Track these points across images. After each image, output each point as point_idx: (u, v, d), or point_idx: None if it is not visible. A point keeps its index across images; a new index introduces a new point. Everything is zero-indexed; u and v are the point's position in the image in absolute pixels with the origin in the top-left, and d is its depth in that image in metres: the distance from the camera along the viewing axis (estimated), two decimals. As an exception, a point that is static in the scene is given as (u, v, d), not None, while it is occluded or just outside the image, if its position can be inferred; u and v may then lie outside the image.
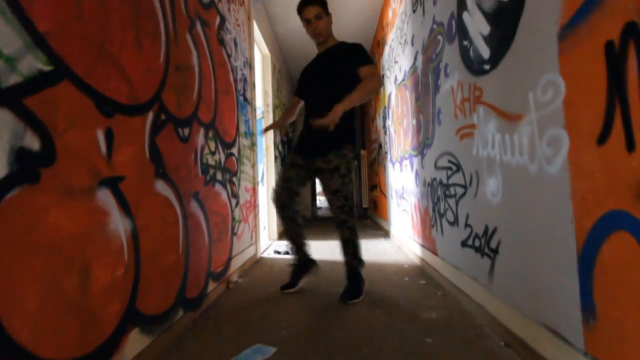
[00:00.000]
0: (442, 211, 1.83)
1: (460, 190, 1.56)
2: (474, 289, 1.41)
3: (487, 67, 1.24)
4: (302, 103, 1.96)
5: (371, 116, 4.59)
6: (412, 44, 2.29)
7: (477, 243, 1.40)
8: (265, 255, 2.87)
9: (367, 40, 4.18)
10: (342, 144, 1.69)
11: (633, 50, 0.65)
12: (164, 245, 1.28)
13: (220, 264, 1.88)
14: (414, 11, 2.22)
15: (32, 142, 0.74)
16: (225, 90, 2.08)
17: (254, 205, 2.69)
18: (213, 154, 1.84)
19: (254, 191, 2.72)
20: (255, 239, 2.68)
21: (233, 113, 2.25)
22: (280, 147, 4.18)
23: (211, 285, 1.73)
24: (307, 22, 1.74)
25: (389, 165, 3.41)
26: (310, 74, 1.85)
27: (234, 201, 2.18)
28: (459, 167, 1.56)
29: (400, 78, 2.74)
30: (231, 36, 2.25)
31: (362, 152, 5.31)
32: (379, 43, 3.75)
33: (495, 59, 1.19)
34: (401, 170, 2.84)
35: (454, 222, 1.65)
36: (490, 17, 1.21)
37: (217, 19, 2.01)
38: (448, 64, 1.64)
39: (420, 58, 2.13)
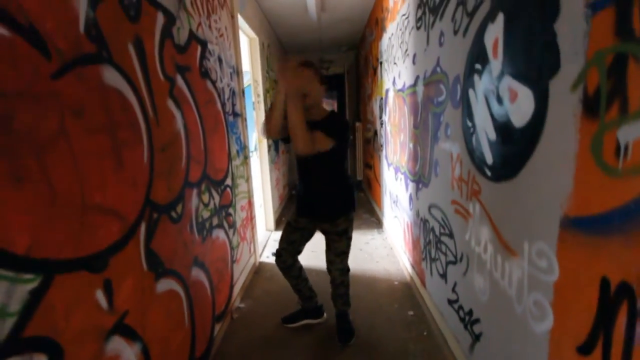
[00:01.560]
0: (432, 256, 1.91)
1: (450, 257, 1.62)
2: (456, 350, 1.57)
3: (488, 172, 1.19)
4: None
5: (367, 93, 4.36)
6: (414, 62, 2.10)
7: (461, 314, 1.51)
8: (264, 258, 3.01)
9: (364, 11, 3.74)
10: (350, 210, 1.71)
11: (625, 310, 0.65)
12: (171, 332, 1.37)
13: (223, 301, 2.00)
14: (417, 27, 1.98)
15: (39, 363, 0.76)
16: (213, 126, 1.96)
17: (250, 218, 2.74)
18: (207, 205, 1.83)
19: (250, 204, 2.74)
20: (253, 249, 2.79)
21: (224, 143, 2.15)
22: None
23: (216, 328, 1.88)
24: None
25: (384, 161, 3.38)
26: None
27: (231, 232, 2.22)
28: (451, 235, 1.59)
29: (399, 86, 2.56)
30: (214, 57, 2.03)
31: (357, 124, 5.17)
32: (377, 21, 3.37)
33: (496, 174, 1.14)
34: (396, 178, 2.84)
35: (443, 277, 1.74)
36: (497, 125, 1.12)
37: (198, 51, 1.79)
38: (449, 125, 1.55)
39: (421, 87, 1.98)
